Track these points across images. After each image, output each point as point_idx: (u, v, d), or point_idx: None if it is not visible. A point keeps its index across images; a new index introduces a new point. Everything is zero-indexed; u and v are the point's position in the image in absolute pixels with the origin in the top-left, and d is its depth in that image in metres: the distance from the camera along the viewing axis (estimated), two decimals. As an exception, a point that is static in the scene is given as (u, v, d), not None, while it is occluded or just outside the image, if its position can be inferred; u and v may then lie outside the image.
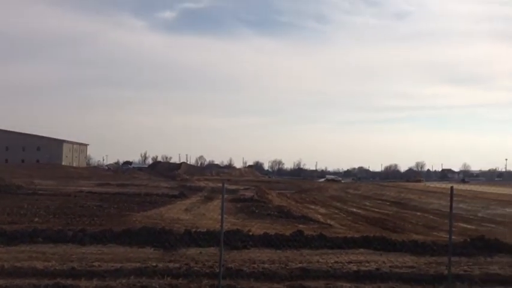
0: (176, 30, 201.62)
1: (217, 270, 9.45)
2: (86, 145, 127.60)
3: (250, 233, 15.23)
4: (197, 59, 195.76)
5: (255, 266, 10.90)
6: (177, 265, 10.88)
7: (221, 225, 9.48)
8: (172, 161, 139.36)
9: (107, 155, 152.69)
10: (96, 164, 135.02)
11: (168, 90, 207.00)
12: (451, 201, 9.33)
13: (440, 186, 65.73)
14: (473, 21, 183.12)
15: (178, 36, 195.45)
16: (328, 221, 25.90)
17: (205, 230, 15.13)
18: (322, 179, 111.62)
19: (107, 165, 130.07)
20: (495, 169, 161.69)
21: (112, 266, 10.58)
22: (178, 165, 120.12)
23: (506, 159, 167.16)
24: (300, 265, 11.10)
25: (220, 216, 9.98)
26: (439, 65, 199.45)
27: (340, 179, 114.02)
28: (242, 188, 55.14)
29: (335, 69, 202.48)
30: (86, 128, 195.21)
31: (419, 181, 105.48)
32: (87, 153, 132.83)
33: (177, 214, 23.86)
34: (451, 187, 9.47)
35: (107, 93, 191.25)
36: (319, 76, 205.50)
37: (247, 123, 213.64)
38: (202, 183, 65.96)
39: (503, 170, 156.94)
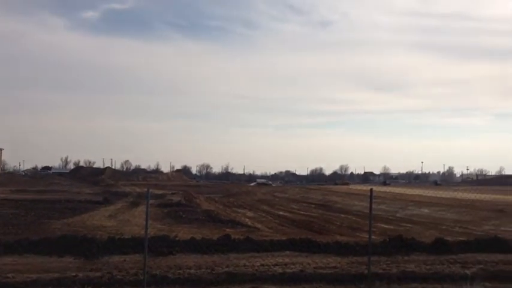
0: (100, 31, 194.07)
1: (142, 278, 9.21)
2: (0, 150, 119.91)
3: (177, 239, 15.00)
4: (122, 61, 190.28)
5: (181, 271, 10.74)
6: (98, 274, 10.47)
7: (145, 231, 9.27)
8: (95, 165, 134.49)
9: (23, 160, 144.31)
10: (12, 170, 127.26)
11: (91, 92, 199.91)
12: (371, 203, 9.75)
13: (362, 189, 68.50)
14: (392, 32, 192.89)
15: (103, 37, 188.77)
16: (256, 225, 26.14)
17: (130, 236, 14.72)
18: (254, 183, 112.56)
19: (24, 171, 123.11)
20: (412, 171, 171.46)
21: (28, 277, 9.98)
22: (103, 170, 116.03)
23: (422, 162, 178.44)
24: (226, 269, 11.09)
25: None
26: (362, 72, 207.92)
27: (270, 182, 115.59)
28: (170, 192, 54.29)
29: (263, 74, 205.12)
30: (0, 131, 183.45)
31: (347, 184, 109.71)
32: (2, 158, 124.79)
33: (101, 221, 23.02)
34: (371, 189, 9.91)
35: (24, 95, 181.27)
36: (248, 81, 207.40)
37: (174, 127, 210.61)
38: (128, 189, 64.19)
39: (420, 172, 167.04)
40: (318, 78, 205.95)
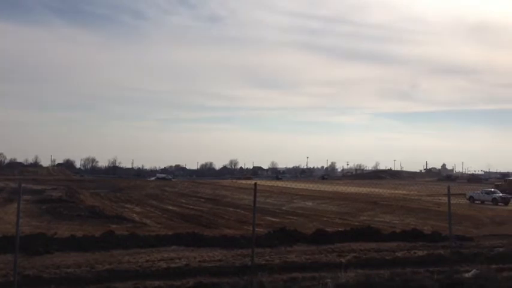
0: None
1: (12, 279, 8.53)
2: None
3: (55, 236, 14.19)
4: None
5: (58, 271, 10.12)
6: (-39, 277, 9.48)
7: (16, 228, 8.61)
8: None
9: None
10: None
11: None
12: (255, 197, 10.02)
13: (250, 183, 70.14)
14: (279, 32, 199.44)
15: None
16: (144, 220, 25.61)
17: (0, 235, 13.58)
18: (153, 178, 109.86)
19: None
20: (299, 166, 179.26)
21: None
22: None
23: (307, 158, 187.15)
24: (108, 267, 10.67)
25: (20, 220, 9.04)
26: (252, 69, 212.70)
27: (170, 177, 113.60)
28: (50, 188, 51.10)
29: (151, 66, 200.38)
30: None
31: (250, 178, 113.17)
32: None
33: (-33, 219, 20.96)
34: (255, 184, 10.19)
35: None
36: (136, 73, 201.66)
37: (55, 118, 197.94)
38: (1, 184, 59.13)
39: (305, 167, 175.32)
40: (207, 73, 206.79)
